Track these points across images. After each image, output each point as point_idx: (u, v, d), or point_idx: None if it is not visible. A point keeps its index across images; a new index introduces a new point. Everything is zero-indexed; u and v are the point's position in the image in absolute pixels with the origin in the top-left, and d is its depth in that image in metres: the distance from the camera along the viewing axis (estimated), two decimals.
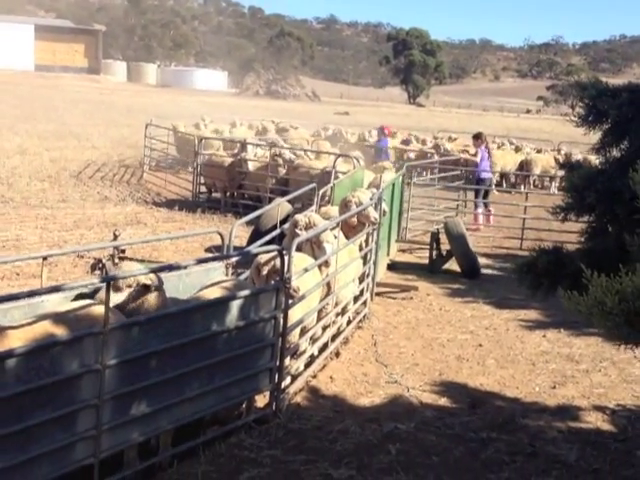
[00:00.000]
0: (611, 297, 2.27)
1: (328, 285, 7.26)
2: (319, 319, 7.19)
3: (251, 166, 15.16)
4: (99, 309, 4.62)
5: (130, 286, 5.09)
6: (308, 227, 7.45)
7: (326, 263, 6.99)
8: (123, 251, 8.23)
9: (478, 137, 16.77)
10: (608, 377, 7.27)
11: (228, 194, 16.07)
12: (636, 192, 2.39)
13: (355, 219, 8.55)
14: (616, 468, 5.35)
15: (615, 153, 3.34)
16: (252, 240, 9.66)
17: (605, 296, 2.27)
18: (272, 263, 6.03)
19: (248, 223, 10.76)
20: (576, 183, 3.02)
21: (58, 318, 4.53)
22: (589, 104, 3.23)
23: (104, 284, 4.60)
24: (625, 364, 7.61)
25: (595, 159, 3.93)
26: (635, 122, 3.11)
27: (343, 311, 8.04)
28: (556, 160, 18.09)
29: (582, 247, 2.85)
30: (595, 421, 6.22)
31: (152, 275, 5.09)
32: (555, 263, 2.58)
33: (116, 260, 7.71)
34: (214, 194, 16.68)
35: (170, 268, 5.48)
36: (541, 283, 2.69)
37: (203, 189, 16.70)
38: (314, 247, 7.06)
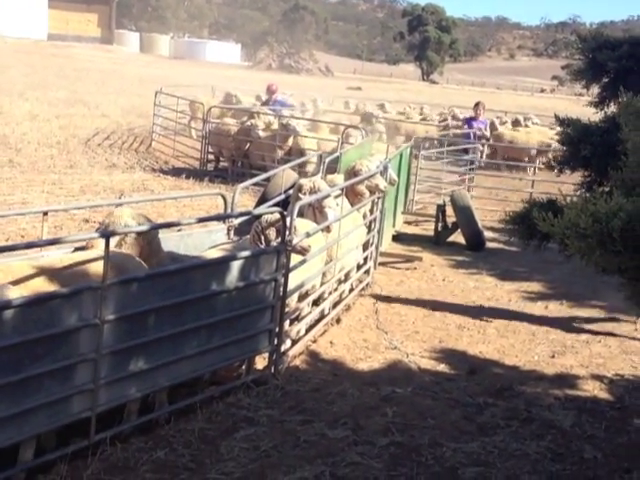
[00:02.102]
0: (585, 218, 2.27)
1: (330, 251, 7.28)
2: (321, 285, 7.22)
3: (261, 133, 15.11)
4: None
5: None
6: (312, 192, 7.45)
7: (328, 229, 7.00)
8: None
9: (477, 105, 17.62)
10: (607, 348, 7.28)
11: (236, 163, 16.08)
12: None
13: (363, 187, 8.54)
14: (611, 435, 5.37)
15: (613, 108, 3.32)
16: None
17: (579, 217, 2.27)
18: (277, 225, 6.05)
19: (255, 192, 10.78)
20: (572, 136, 3.01)
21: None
22: (588, 56, 3.20)
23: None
24: (625, 336, 7.62)
25: (594, 113, 3.91)
26: (634, 75, 3.09)
27: (346, 278, 8.05)
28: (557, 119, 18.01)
29: (576, 199, 2.85)
30: (592, 389, 6.24)
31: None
32: (547, 211, 2.57)
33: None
34: (222, 163, 16.68)
35: (171, 225, 5.49)
36: (534, 234, 2.68)
37: (211, 158, 16.70)
38: (316, 212, 7.07)
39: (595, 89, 3.31)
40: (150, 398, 5.29)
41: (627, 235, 2.29)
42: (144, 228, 5.09)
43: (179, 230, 6.45)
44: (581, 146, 2.90)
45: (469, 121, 17.84)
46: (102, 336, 4.51)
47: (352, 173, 8.61)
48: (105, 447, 4.66)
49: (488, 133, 18.66)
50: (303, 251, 5.99)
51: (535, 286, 9.51)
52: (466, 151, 16.36)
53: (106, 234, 4.65)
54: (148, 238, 5.27)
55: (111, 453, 4.65)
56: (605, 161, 2.82)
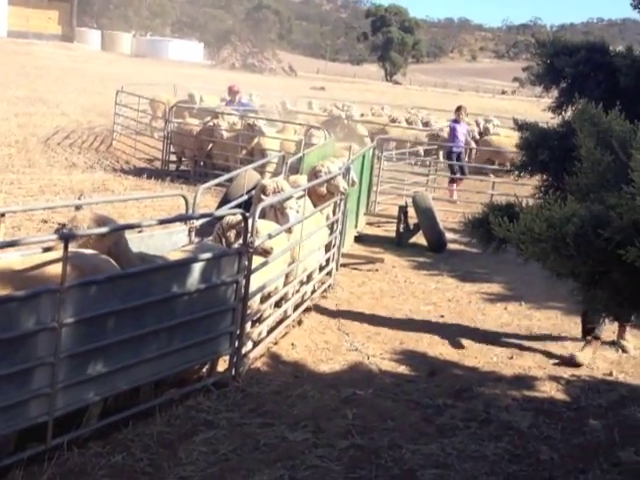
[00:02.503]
0: (540, 223, 2.31)
1: (292, 252, 7.28)
2: (284, 286, 7.22)
3: (224, 134, 15.06)
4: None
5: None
6: (275, 192, 7.44)
7: (289, 230, 7.00)
8: None
9: (459, 109, 17.24)
10: (565, 349, 7.37)
11: (198, 163, 16.01)
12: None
13: (324, 188, 8.57)
14: (567, 436, 5.44)
15: (570, 112, 3.38)
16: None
17: (534, 222, 2.31)
18: (238, 227, 6.04)
19: (217, 192, 10.75)
20: (530, 140, 3.05)
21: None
22: (546, 62, 3.24)
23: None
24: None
25: (551, 118, 3.98)
26: (592, 80, 3.14)
27: (308, 279, 8.06)
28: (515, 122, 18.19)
29: (534, 203, 2.89)
30: (549, 390, 6.32)
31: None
32: (507, 218, 2.61)
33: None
34: (183, 163, 16.60)
35: (131, 227, 5.44)
36: (492, 237, 2.72)
37: (173, 158, 16.60)
38: (277, 214, 7.07)
39: (554, 93, 3.37)
40: (109, 402, 5.26)
41: (580, 240, 2.33)
42: (104, 230, 5.05)
43: (140, 231, 6.40)
44: (539, 151, 2.94)
45: (453, 125, 17.36)
46: (60, 339, 4.46)
47: (314, 174, 8.65)
48: (62, 452, 4.61)
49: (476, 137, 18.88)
50: (265, 253, 5.98)
51: (495, 287, 9.60)
52: (458, 157, 16.56)
53: (65, 236, 4.61)
54: (114, 239, 5.22)
55: (68, 458, 4.59)
56: (562, 165, 2.86)
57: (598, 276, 2.46)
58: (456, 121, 17.24)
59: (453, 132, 17.09)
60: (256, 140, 14.85)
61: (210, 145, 15.45)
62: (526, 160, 3.03)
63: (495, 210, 2.90)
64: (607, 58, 3.21)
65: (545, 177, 2.92)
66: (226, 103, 19.25)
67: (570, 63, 3.17)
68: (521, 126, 3.58)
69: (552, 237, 2.28)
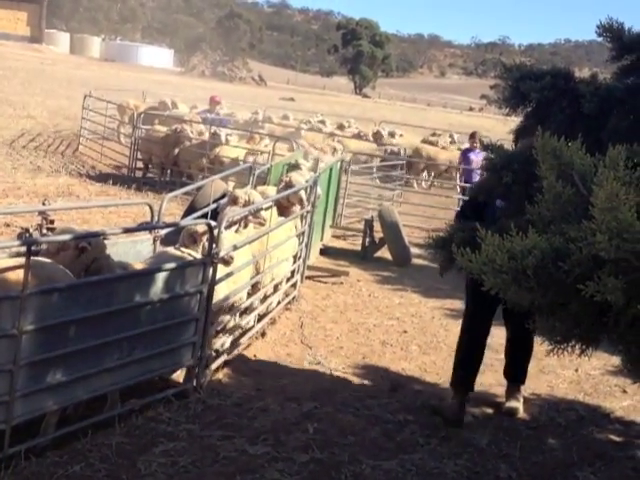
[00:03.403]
0: (501, 255, 2.35)
1: (258, 264, 7.29)
2: (250, 297, 7.21)
3: (187, 142, 15.03)
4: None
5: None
6: (247, 204, 7.44)
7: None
8: (52, 221, 8.07)
9: (473, 136, 15.36)
10: None
11: (165, 171, 15.94)
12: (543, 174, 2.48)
13: (292, 199, 8.58)
14: (526, 454, 5.48)
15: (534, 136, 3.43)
16: (185, 217, 9.59)
17: (496, 254, 2.34)
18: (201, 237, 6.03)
19: (183, 200, 10.70)
20: (495, 162, 3.10)
21: None
22: (512, 86, 3.30)
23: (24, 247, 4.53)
24: (542, 355, 7.77)
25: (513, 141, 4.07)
26: (556, 106, 3.20)
27: (274, 290, 8.06)
28: (480, 142, 17.58)
29: (498, 225, 2.93)
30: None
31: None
32: (470, 239, 2.64)
33: (43, 230, 7.58)
34: (150, 171, 16.51)
35: (95, 235, 5.40)
36: (453, 260, 2.74)
37: (140, 165, 16.50)
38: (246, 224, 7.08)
39: (519, 116, 3.44)
40: (68, 410, 5.20)
41: (540, 272, 2.37)
42: (65, 238, 5.00)
43: (103, 239, 6.34)
44: (503, 173, 2.99)
45: (466, 154, 15.49)
46: (20, 347, 4.41)
47: (284, 186, 8.67)
48: (19, 461, 4.54)
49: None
50: (225, 263, 5.95)
51: (458, 304, 9.64)
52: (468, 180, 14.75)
53: (28, 242, 4.56)
54: (92, 256, 5.15)
55: (25, 467, 4.53)
56: (525, 189, 2.91)
57: (557, 308, 2.50)
58: (470, 150, 15.28)
59: (466, 162, 15.15)
60: (218, 149, 14.84)
61: (176, 151, 15.39)
62: (491, 182, 3.07)
63: (458, 231, 2.93)
64: (571, 84, 3.28)
65: (509, 200, 2.97)
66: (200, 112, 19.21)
67: (535, 88, 3.23)
68: (486, 147, 3.63)
69: (513, 269, 2.32)
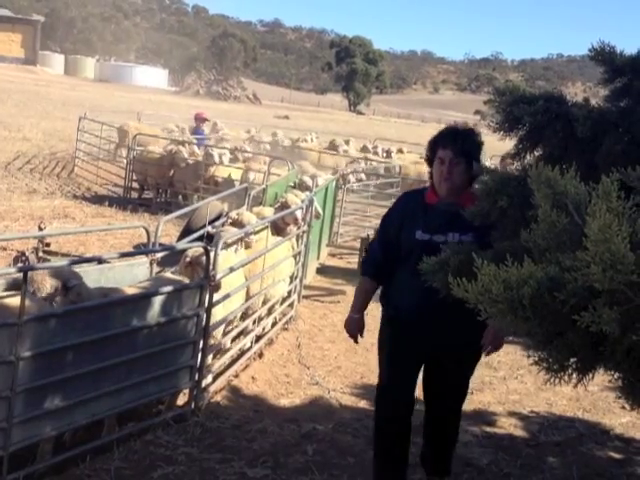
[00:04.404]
0: (497, 285, 2.36)
1: (254, 285, 7.29)
2: (245, 318, 7.21)
3: (182, 162, 15.05)
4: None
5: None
6: (236, 224, 7.46)
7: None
8: (48, 244, 8.08)
9: (503, 160, 14.66)
10: (524, 384, 7.44)
11: (160, 192, 15.97)
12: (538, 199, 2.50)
13: (288, 220, 8.59)
14: (526, 473, 5.47)
15: (529, 159, 3.46)
16: (181, 239, 9.60)
17: (492, 284, 2.35)
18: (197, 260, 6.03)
19: (179, 221, 10.72)
20: (490, 186, 3.12)
21: None
22: (505, 110, 3.33)
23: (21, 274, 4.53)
24: (541, 373, 7.79)
25: (509, 163, 4.10)
26: (549, 129, 3.22)
27: (269, 312, 8.05)
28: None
29: (494, 249, 2.95)
30: (509, 427, 6.36)
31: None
32: (466, 262, 2.65)
33: (40, 253, 7.58)
34: (146, 192, 16.53)
35: (91, 260, 5.40)
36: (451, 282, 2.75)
37: (135, 186, 16.52)
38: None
39: (513, 140, 3.47)
40: (66, 436, 5.18)
41: (536, 302, 2.38)
42: (62, 264, 5.00)
43: (99, 263, 6.35)
44: (498, 197, 3.01)
45: None
46: (17, 373, 4.40)
47: (280, 206, 8.70)
48: None
49: None
50: (215, 289, 5.90)
51: None
52: None
53: (24, 269, 4.57)
54: (74, 294, 5.12)
55: None
56: (521, 212, 2.93)
57: (554, 337, 2.51)
58: None
59: None
60: (213, 169, 14.87)
61: (172, 172, 15.41)
62: (486, 206, 3.09)
63: (455, 254, 2.95)
64: (564, 108, 3.30)
65: (504, 223, 2.98)
66: (193, 131, 19.21)
67: (528, 112, 3.25)
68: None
69: (509, 299, 2.32)
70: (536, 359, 2.60)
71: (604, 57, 3.27)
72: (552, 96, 3.31)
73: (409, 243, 4.37)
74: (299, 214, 8.57)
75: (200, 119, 19.31)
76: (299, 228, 8.69)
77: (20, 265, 5.02)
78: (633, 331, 2.30)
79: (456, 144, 4.26)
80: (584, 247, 2.18)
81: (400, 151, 23.31)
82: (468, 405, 6.69)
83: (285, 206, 8.65)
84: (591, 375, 2.66)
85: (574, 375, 2.62)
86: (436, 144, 4.39)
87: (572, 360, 2.63)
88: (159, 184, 15.80)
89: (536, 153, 3.39)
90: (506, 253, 2.54)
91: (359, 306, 4.90)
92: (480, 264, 2.35)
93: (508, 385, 7.41)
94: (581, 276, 2.23)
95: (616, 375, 2.62)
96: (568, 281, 2.29)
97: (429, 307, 4.16)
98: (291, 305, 8.87)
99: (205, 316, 5.81)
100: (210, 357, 6.27)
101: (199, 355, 5.83)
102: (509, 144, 3.74)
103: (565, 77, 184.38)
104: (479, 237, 3.71)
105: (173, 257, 6.78)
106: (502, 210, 3.06)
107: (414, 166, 19.24)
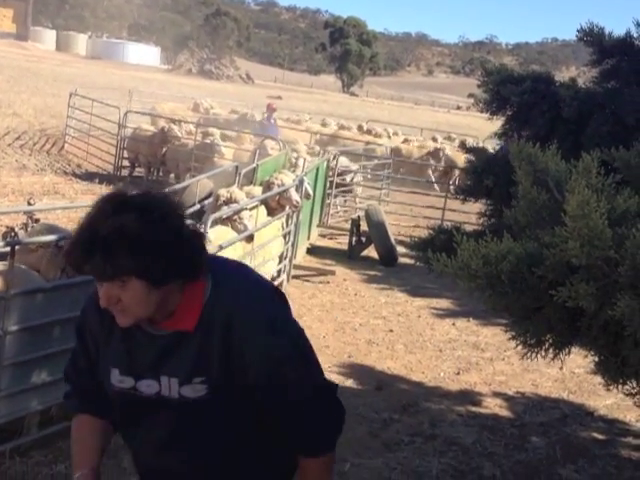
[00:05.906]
0: (476, 260, 2.37)
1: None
2: None
3: (175, 141, 14.98)
4: None
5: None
6: (228, 202, 7.45)
7: (248, 239, 7.04)
8: (37, 220, 8.06)
9: None
10: (510, 366, 7.49)
11: (152, 170, 15.92)
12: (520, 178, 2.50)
13: (276, 201, 8.59)
14: (510, 452, 5.53)
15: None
16: None
17: (471, 259, 2.37)
18: None
19: None
20: (476, 165, 3.13)
21: None
22: (493, 90, 3.33)
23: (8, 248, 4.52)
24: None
25: (497, 144, 4.11)
26: (536, 109, 3.23)
27: None
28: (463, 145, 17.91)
29: (478, 228, 2.96)
30: (494, 407, 6.41)
31: None
32: (451, 241, 2.67)
33: (29, 229, 7.56)
34: (137, 170, 16.47)
35: None
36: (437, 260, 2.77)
37: (126, 164, 16.46)
38: (232, 224, 7.10)
39: (500, 119, 3.47)
40: (52, 410, 5.19)
41: (515, 278, 2.40)
42: (51, 238, 4.99)
43: None
44: (484, 176, 3.02)
45: None
46: (4, 347, 4.40)
47: (267, 186, 8.68)
48: (3, 460, 4.53)
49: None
50: None
51: (444, 303, 9.71)
52: None
53: (11, 243, 4.56)
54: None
55: (9, 467, 4.52)
56: (506, 190, 2.94)
57: (531, 312, 2.53)
58: None
59: None
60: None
61: (164, 150, 15.34)
62: (471, 184, 3.10)
63: (440, 233, 2.96)
64: (552, 88, 3.30)
65: (490, 202, 2.99)
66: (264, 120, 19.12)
67: (516, 92, 3.25)
68: (469, 149, 3.66)
69: (488, 274, 2.34)
70: (513, 334, 2.63)
71: (593, 38, 3.27)
72: (540, 76, 3.32)
73: None
74: (295, 196, 8.56)
75: (271, 109, 19.41)
76: (297, 208, 8.68)
77: (8, 240, 4.99)
78: (609, 306, 2.32)
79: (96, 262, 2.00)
80: (564, 222, 2.19)
81: (395, 134, 23.29)
82: (455, 385, 6.77)
83: (270, 186, 8.62)
84: (567, 350, 2.69)
85: (550, 350, 2.64)
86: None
87: (549, 335, 2.65)
88: (150, 162, 15.73)
89: (523, 133, 3.40)
90: (491, 232, 2.55)
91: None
92: (460, 239, 2.37)
93: (494, 366, 7.45)
94: (559, 252, 2.24)
95: (592, 352, 2.65)
96: (547, 257, 2.31)
97: None
98: (280, 285, 8.88)
99: None
100: None
101: None
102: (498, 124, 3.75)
103: (559, 61, 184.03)
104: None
105: None
106: (487, 189, 3.07)
107: (405, 146, 19.29)
